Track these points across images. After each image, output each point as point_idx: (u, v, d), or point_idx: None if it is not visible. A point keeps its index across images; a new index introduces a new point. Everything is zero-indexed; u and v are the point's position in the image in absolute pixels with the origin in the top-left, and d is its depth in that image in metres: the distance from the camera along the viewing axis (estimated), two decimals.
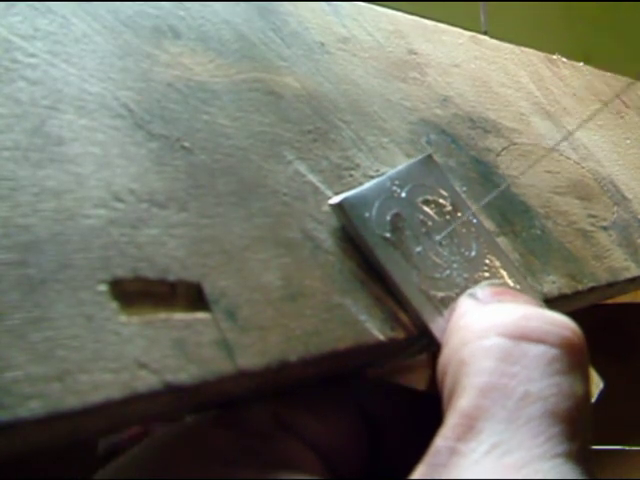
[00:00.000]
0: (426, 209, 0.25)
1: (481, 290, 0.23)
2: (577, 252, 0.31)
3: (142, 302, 0.17)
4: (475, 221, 0.26)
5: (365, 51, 0.33)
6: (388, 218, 0.23)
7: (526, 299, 0.22)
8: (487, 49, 0.42)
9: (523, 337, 0.19)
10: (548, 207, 0.32)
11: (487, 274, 0.24)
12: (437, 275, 0.23)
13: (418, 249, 0.23)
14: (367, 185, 0.24)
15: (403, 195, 0.24)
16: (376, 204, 0.23)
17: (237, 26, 0.27)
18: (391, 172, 0.25)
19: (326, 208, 0.23)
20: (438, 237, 0.24)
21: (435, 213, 0.25)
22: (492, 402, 0.17)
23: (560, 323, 0.19)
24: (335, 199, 0.23)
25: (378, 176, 0.26)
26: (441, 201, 0.25)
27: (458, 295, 0.23)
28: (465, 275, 0.24)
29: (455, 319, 0.22)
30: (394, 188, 0.24)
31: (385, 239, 0.23)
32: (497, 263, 0.25)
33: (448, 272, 0.23)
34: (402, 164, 0.26)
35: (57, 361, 0.15)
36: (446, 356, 0.20)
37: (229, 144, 0.22)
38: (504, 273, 0.25)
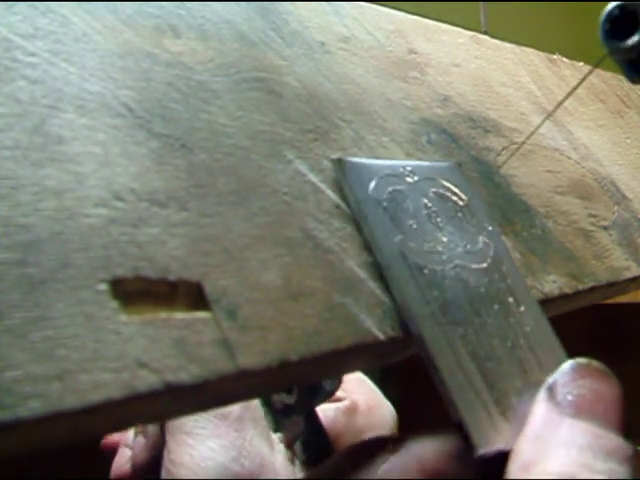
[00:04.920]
0: (434, 197, 0.24)
1: (563, 393, 0.19)
2: (577, 252, 0.31)
3: (142, 301, 0.17)
4: (490, 228, 0.25)
5: (365, 50, 0.33)
6: (389, 189, 0.22)
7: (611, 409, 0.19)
8: (487, 49, 0.42)
9: None
10: (549, 207, 0.32)
11: (486, 264, 0.24)
12: (425, 246, 0.22)
13: (411, 222, 0.22)
14: (379, 160, 0.23)
15: (413, 180, 0.24)
16: (381, 174, 0.23)
17: (237, 25, 0.27)
18: (409, 162, 0.24)
19: (327, 207, 0.23)
20: (439, 220, 0.23)
21: (443, 205, 0.24)
22: None
23: None
24: (338, 155, 0.23)
25: None
26: (455, 199, 0.25)
27: (442, 269, 0.21)
28: (458, 261, 0.22)
29: (528, 427, 0.19)
30: (406, 173, 0.24)
31: (378, 202, 0.22)
32: (505, 267, 0.24)
33: (440, 249, 0.22)
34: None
35: (57, 360, 0.15)
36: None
37: (229, 143, 0.22)
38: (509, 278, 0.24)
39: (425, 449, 0.19)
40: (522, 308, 0.23)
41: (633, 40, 0.20)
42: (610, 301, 0.40)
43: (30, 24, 0.20)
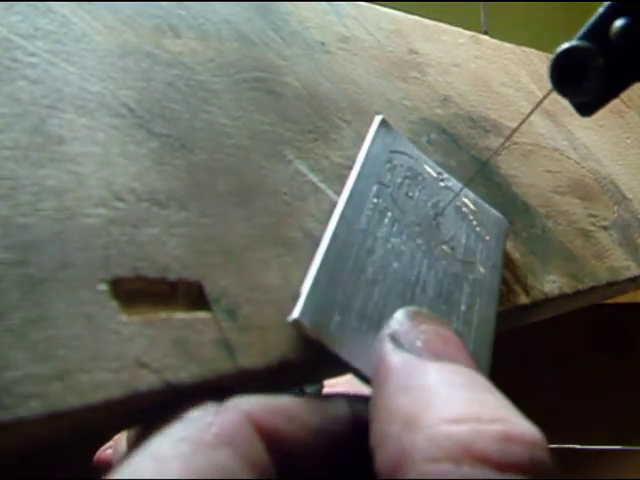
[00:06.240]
0: (454, 208, 0.26)
1: (410, 340, 0.17)
2: (577, 252, 0.31)
3: (142, 301, 0.17)
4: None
5: (365, 50, 0.33)
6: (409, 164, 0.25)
7: (461, 354, 0.17)
8: (487, 49, 0.42)
9: (507, 467, 0.14)
10: (548, 207, 0.32)
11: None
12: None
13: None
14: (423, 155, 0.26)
15: (443, 184, 0.26)
16: (412, 153, 0.25)
17: (237, 25, 0.27)
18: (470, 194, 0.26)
19: (327, 207, 0.23)
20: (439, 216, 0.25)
21: (456, 213, 0.25)
22: None
23: (532, 440, 0.15)
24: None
25: None
26: (472, 220, 0.26)
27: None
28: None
29: (389, 382, 0.16)
30: (443, 177, 0.26)
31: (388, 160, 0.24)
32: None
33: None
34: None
35: (57, 360, 0.15)
36: (391, 443, 0.15)
37: (229, 143, 0.22)
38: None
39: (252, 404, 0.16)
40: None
41: (584, 86, 0.20)
42: (610, 301, 0.40)
43: (30, 24, 0.20)
